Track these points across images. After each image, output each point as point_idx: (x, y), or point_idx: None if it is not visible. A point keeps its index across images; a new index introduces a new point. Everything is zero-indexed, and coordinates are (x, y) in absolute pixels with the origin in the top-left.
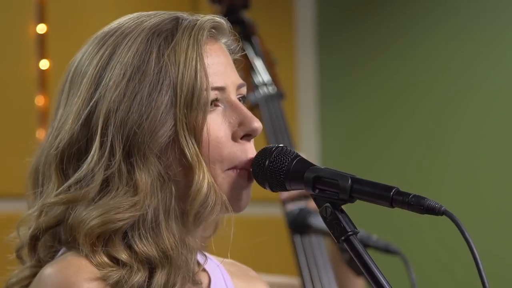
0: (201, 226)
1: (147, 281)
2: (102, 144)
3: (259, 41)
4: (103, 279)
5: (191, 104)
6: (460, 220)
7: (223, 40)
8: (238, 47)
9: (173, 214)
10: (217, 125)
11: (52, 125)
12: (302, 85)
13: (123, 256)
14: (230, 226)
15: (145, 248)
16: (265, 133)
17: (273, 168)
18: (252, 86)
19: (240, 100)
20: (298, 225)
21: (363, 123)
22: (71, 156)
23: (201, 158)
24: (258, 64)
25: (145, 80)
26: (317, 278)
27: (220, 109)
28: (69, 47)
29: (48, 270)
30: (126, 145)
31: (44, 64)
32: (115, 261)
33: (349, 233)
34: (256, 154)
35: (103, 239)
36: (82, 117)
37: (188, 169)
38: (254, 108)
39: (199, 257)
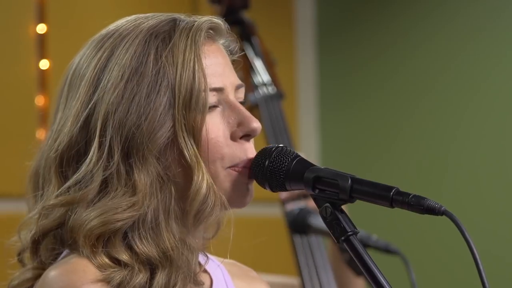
0: (202, 226)
1: (149, 282)
2: (100, 145)
3: (258, 41)
4: (106, 281)
5: (190, 105)
6: (460, 220)
7: (221, 41)
8: (236, 48)
9: (173, 215)
10: (216, 125)
11: (52, 128)
12: (302, 85)
13: (124, 256)
14: (230, 226)
15: (146, 249)
16: (264, 133)
17: (273, 168)
18: (251, 86)
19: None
20: (298, 225)
21: (363, 123)
22: (70, 158)
23: (200, 158)
24: (258, 64)
25: (143, 81)
26: (316, 278)
27: (218, 109)
28: (69, 47)
29: (53, 273)
30: (125, 146)
31: (44, 64)
32: (116, 262)
33: (349, 233)
34: (256, 155)
35: (103, 240)
36: (81, 119)
37: (187, 170)
38: (253, 108)
39: (200, 258)
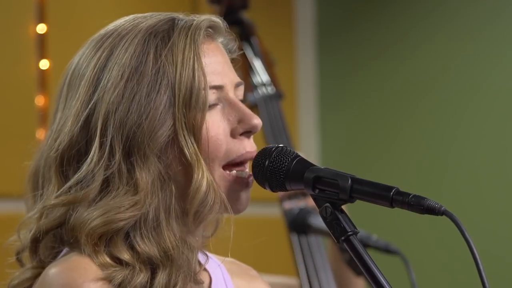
0: (202, 225)
1: (150, 282)
2: (101, 144)
3: (258, 41)
4: (108, 280)
5: (190, 104)
6: (460, 220)
7: (220, 40)
8: (235, 46)
9: (173, 213)
10: (216, 123)
11: (51, 128)
12: (302, 85)
13: (126, 256)
14: (230, 226)
15: (147, 248)
16: (264, 133)
17: (273, 168)
18: (251, 86)
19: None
20: (298, 225)
21: (363, 123)
22: (71, 158)
23: (200, 157)
24: (257, 64)
25: (143, 80)
26: (316, 278)
27: (218, 107)
28: (69, 47)
29: (53, 270)
30: (126, 145)
31: (44, 64)
32: (118, 261)
33: (349, 233)
34: (256, 155)
35: (105, 239)
36: (81, 119)
37: (187, 168)
38: (252, 108)
39: (200, 256)
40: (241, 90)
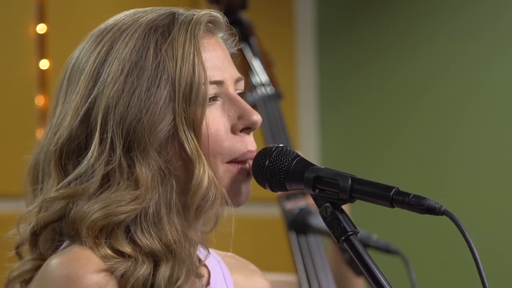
0: (202, 219)
1: (152, 274)
2: (102, 139)
3: (257, 41)
4: (110, 271)
5: (190, 99)
6: (460, 220)
7: (220, 34)
8: (235, 41)
9: (174, 208)
10: (216, 118)
11: (51, 122)
12: (302, 85)
13: (127, 249)
14: (230, 225)
15: (148, 242)
16: (263, 133)
17: (273, 168)
18: (250, 86)
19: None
20: (298, 225)
21: (363, 123)
22: (70, 152)
23: (201, 152)
24: (256, 64)
25: (143, 75)
26: (315, 278)
27: (218, 103)
28: (69, 47)
29: (55, 261)
30: (126, 140)
31: (44, 64)
32: (120, 253)
33: (349, 233)
34: (256, 154)
35: (106, 232)
36: (81, 113)
37: (188, 163)
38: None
39: (200, 251)
40: (241, 85)
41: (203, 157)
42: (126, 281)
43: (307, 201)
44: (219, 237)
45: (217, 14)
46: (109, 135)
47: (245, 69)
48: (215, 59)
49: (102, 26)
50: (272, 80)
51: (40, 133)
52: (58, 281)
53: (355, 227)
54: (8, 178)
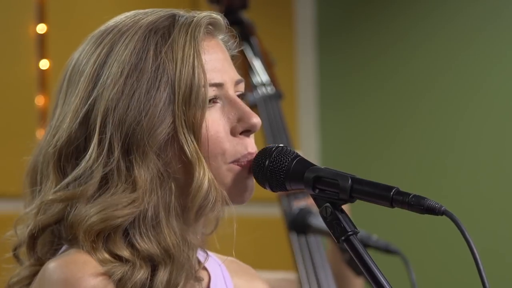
0: (201, 222)
1: (150, 279)
2: (100, 141)
3: (257, 41)
4: (108, 274)
5: (190, 101)
6: (460, 220)
7: (220, 37)
8: (235, 43)
9: (173, 211)
10: (216, 121)
11: (50, 124)
12: (302, 85)
13: (125, 253)
14: (231, 226)
15: (147, 246)
16: (263, 133)
17: (273, 168)
18: (250, 86)
19: (238, 97)
20: (298, 225)
21: (363, 123)
22: (69, 154)
23: (201, 154)
24: (257, 64)
25: (143, 77)
26: (315, 278)
27: (218, 105)
28: (69, 47)
29: (53, 265)
30: (125, 142)
31: (44, 64)
32: (117, 257)
33: (349, 233)
34: (256, 154)
35: (103, 237)
36: (80, 115)
37: (188, 166)
38: (252, 108)
39: (200, 254)
40: (241, 87)
41: (203, 160)
42: (123, 286)
43: (307, 201)
44: (220, 238)
45: (217, 16)
46: (108, 137)
47: (245, 69)
48: (215, 61)
49: (102, 27)
50: (273, 80)
51: (40, 133)
52: (56, 285)
53: (355, 227)
54: (8, 178)
